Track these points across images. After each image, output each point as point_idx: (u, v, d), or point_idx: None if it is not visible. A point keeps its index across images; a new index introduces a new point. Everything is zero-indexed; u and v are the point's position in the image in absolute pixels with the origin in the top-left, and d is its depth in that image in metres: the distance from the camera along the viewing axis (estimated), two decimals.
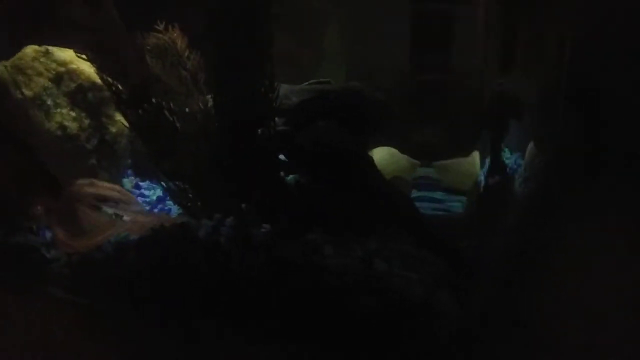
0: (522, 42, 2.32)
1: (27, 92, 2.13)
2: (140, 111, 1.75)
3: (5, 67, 2.15)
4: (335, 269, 1.52)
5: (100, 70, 1.77)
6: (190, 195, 1.82)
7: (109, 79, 1.76)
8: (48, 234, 2.04)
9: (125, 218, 1.99)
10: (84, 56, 1.84)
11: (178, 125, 1.82)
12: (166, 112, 1.75)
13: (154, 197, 2.17)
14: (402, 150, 2.18)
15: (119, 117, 2.15)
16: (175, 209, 2.04)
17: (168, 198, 2.08)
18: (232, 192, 1.76)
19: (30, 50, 2.15)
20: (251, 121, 1.77)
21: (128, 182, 2.29)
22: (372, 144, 2.09)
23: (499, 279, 1.76)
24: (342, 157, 1.85)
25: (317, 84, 1.98)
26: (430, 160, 2.19)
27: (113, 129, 2.19)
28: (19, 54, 2.15)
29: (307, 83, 1.98)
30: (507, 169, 2.08)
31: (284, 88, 1.92)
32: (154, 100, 1.75)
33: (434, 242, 1.68)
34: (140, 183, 2.28)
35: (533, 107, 2.43)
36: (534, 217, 2.19)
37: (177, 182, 1.81)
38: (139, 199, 2.19)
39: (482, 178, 2.08)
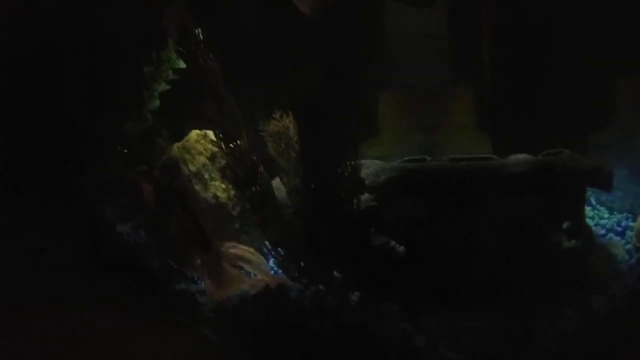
0: None
1: (192, 168, 2.65)
2: (252, 189, 2.11)
3: (178, 147, 2.70)
4: (381, 340, 1.70)
5: (224, 154, 2.18)
6: (290, 262, 2.12)
7: (230, 162, 2.16)
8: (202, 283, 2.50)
9: (255, 276, 2.38)
10: None
11: (285, 200, 2.16)
12: (270, 192, 2.09)
13: None
14: None
15: None
16: None
17: None
18: (324, 261, 2.03)
19: (194, 134, 2.68)
20: (340, 198, 2.03)
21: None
22: None
23: None
24: (423, 234, 2.02)
25: (412, 161, 2.17)
26: None
27: None
28: (186, 137, 2.69)
29: (401, 160, 2.19)
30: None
31: (376, 166, 2.15)
32: (261, 181, 2.10)
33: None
34: None
35: None
36: None
37: (279, 250, 2.13)
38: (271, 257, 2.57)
39: None
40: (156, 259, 2.67)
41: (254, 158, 2.12)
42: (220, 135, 2.20)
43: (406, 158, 2.19)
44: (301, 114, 1.96)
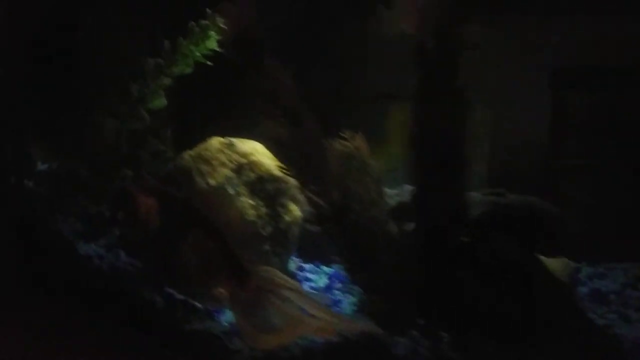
0: None
1: (211, 181, 2.29)
2: (340, 227, 1.87)
3: (191, 156, 2.32)
4: None
5: (304, 186, 1.90)
6: (384, 308, 1.92)
7: (312, 195, 1.89)
8: (224, 319, 2.10)
9: (304, 309, 2.06)
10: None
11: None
12: (363, 227, 1.87)
13: (321, 283, 2.31)
14: None
15: (292, 206, 2.30)
16: (345, 300, 2.16)
17: (335, 287, 2.22)
18: (422, 306, 1.87)
19: (215, 142, 2.32)
20: (445, 233, 1.88)
21: (292, 263, 2.42)
22: None
23: None
24: (518, 271, 1.95)
25: (492, 195, 2.08)
26: None
27: (287, 218, 2.32)
28: (205, 145, 2.32)
29: (482, 193, 2.08)
30: None
31: None
32: (353, 216, 1.87)
33: None
34: (304, 265, 2.42)
35: None
36: None
37: (372, 295, 1.92)
38: (304, 282, 2.32)
39: None
40: (151, 289, 2.26)
41: (346, 188, 1.87)
42: (294, 159, 1.91)
43: (487, 191, 2.09)
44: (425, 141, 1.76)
